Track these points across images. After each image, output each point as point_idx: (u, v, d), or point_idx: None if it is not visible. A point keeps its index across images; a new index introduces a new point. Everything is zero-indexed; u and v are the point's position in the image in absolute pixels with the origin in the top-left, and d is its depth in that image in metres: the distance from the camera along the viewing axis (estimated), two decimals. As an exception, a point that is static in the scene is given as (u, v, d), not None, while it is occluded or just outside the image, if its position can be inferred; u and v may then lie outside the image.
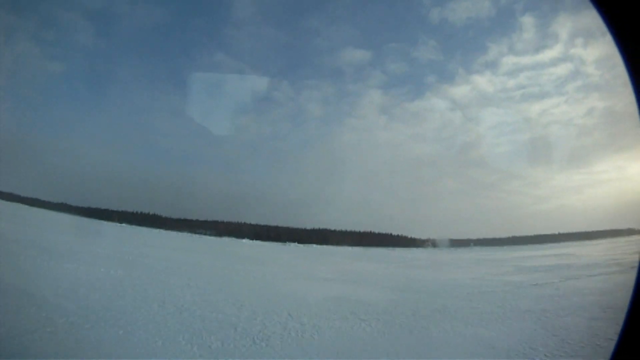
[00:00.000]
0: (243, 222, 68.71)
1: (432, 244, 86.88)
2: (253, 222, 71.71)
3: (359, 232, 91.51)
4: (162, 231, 45.29)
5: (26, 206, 35.77)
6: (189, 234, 49.85)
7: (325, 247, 61.94)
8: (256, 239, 57.70)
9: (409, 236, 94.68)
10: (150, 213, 56.27)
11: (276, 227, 73.32)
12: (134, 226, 47.02)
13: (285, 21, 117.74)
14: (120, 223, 46.73)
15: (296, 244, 64.56)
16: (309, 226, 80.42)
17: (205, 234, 54.57)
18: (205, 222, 62.35)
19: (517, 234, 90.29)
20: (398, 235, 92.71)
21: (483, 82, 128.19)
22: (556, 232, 77.67)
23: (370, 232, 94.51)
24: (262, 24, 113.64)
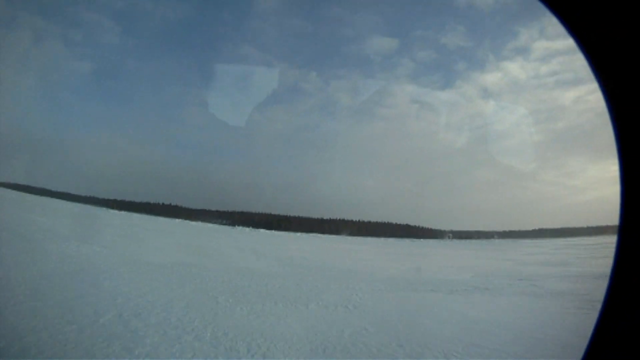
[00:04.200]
0: (260, 212, 71.94)
1: (452, 236, 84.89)
2: (273, 212, 74.52)
3: (378, 222, 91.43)
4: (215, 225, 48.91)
5: (63, 201, 40.68)
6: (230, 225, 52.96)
7: (352, 238, 62.67)
8: (272, 229, 60.01)
9: (428, 227, 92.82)
10: (172, 204, 61.49)
11: (297, 218, 75.88)
12: (171, 219, 50.86)
13: (310, 11, 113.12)
14: (155, 215, 51.55)
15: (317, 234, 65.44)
16: (331, 216, 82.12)
17: (224, 224, 58.08)
18: (233, 212, 66.43)
19: (546, 226, 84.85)
20: (417, 227, 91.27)
21: (515, 68, 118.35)
22: (585, 226, 72.45)
23: (388, 222, 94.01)
24: (287, 15, 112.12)
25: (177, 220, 41.35)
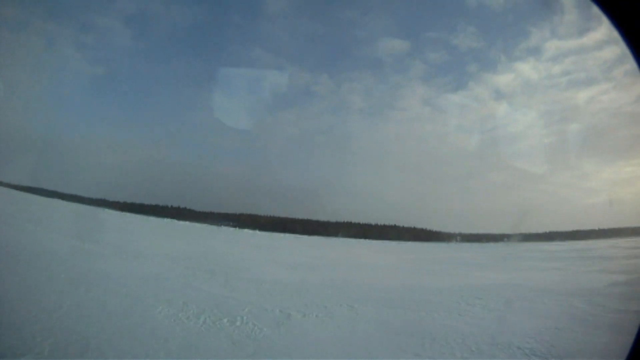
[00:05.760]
0: (264, 214, 75.38)
1: (460, 238, 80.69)
2: (280, 215, 77.45)
3: (384, 225, 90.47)
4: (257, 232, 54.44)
5: (79, 204, 46.66)
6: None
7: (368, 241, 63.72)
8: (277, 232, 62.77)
9: (437, 230, 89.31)
10: (181, 207, 67.39)
11: (302, 220, 78.42)
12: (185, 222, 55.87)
13: (320, 12, 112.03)
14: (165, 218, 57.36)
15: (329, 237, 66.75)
16: (337, 219, 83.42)
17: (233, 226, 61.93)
18: (241, 215, 70.58)
19: (559, 229, 77.49)
20: (424, 229, 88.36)
21: (527, 69, 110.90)
22: (597, 228, 66.84)
23: (394, 225, 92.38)
24: (297, 17, 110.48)
25: (166, 220, 45.98)
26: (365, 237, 75.58)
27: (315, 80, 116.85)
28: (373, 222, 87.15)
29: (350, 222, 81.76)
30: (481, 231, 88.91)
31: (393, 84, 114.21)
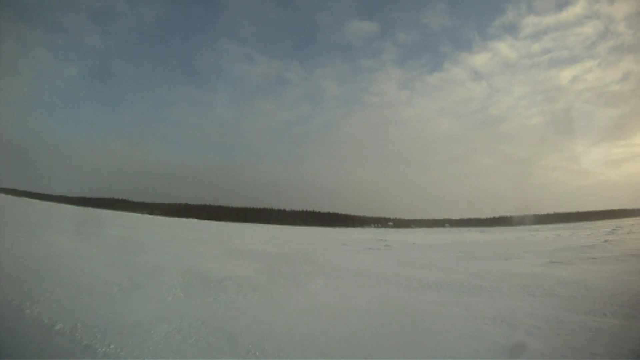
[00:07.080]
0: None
1: (449, 225, 72.35)
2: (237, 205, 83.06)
3: (374, 217, 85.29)
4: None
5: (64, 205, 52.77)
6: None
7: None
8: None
9: (425, 218, 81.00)
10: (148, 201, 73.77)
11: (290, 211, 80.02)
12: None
13: None
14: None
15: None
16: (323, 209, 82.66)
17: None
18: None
19: (544, 212, 72.42)
20: (406, 219, 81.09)
21: (504, 47, 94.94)
22: (584, 210, 65.81)
23: (381, 216, 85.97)
24: (260, 5, 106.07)
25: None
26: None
27: (287, 67, 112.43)
28: (359, 214, 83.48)
29: (313, 211, 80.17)
30: (471, 216, 79.34)
31: (366, 68, 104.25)
